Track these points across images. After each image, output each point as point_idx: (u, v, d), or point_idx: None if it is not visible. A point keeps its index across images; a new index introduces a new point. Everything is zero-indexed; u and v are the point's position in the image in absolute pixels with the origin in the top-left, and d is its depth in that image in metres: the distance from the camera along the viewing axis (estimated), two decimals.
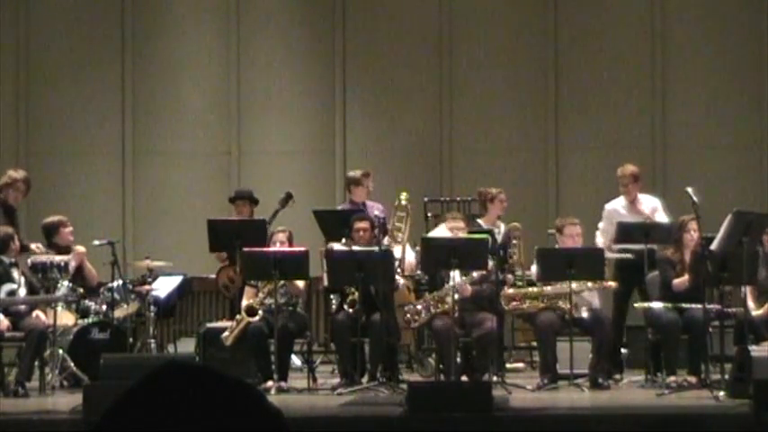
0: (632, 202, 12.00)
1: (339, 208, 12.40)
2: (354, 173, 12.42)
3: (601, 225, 12.03)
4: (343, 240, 11.36)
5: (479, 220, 12.30)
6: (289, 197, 12.53)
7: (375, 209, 12.11)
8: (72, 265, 11.37)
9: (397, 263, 11.28)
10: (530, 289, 11.24)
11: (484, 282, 10.92)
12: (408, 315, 10.97)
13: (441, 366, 10.91)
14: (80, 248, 11.70)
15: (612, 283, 11.15)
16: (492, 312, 10.83)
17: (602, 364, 10.84)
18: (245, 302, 11.08)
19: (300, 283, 11.09)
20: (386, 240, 11.84)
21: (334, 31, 15.29)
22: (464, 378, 10.79)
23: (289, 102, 15.32)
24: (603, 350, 10.88)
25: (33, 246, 11.61)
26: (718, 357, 10.49)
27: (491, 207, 12.29)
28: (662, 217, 11.96)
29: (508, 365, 12.11)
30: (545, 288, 11.11)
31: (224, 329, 11.02)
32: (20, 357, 10.63)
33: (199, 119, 15.35)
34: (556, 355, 10.82)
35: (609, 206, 12.15)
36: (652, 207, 12.03)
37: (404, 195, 12.06)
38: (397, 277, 11.19)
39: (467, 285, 10.83)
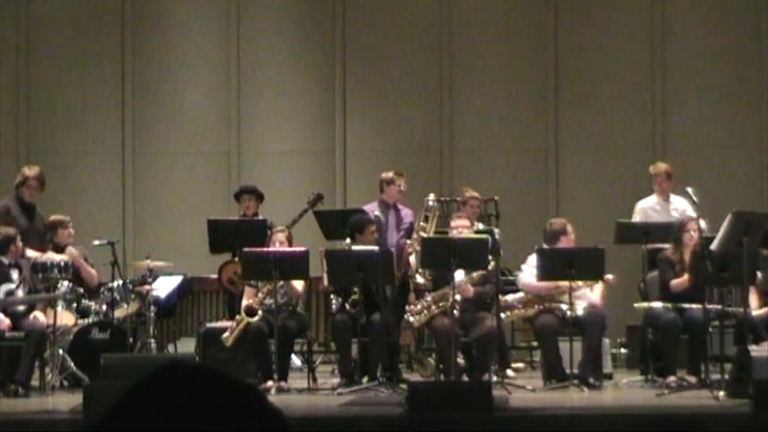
0: (666, 201, 12.09)
1: (367, 207, 12.28)
2: (387, 173, 12.33)
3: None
4: (348, 241, 11.33)
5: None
6: (318, 198, 12.45)
7: (405, 211, 12.13)
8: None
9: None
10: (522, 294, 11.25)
11: (486, 283, 10.91)
12: (409, 315, 10.96)
13: (441, 366, 10.90)
14: (72, 250, 11.65)
15: (611, 276, 11.03)
16: (492, 312, 10.82)
17: (591, 363, 10.75)
18: (245, 302, 11.08)
19: (299, 286, 11.08)
20: (409, 240, 11.84)
21: (334, 31, 15.29)
22: (464, 378, 10.79)
23: (288, 102, 15.32)
24: (593, 348, 10.79)
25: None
26: (718, 357, 10.49)
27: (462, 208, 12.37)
28: None
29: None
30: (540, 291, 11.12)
31: (224, 329, 11.02)
32: (20, 357, 10.62)
33: (199, 119, 15.35)
34: (560, 355, 10.79)
35: (641, 204, 12.27)
36: (682, 209, 12.03)
37: (431, 196, 12.05)
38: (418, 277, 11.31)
39: (468, 286, 10.82)
